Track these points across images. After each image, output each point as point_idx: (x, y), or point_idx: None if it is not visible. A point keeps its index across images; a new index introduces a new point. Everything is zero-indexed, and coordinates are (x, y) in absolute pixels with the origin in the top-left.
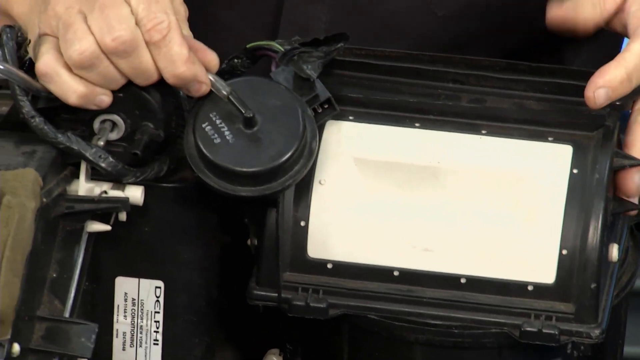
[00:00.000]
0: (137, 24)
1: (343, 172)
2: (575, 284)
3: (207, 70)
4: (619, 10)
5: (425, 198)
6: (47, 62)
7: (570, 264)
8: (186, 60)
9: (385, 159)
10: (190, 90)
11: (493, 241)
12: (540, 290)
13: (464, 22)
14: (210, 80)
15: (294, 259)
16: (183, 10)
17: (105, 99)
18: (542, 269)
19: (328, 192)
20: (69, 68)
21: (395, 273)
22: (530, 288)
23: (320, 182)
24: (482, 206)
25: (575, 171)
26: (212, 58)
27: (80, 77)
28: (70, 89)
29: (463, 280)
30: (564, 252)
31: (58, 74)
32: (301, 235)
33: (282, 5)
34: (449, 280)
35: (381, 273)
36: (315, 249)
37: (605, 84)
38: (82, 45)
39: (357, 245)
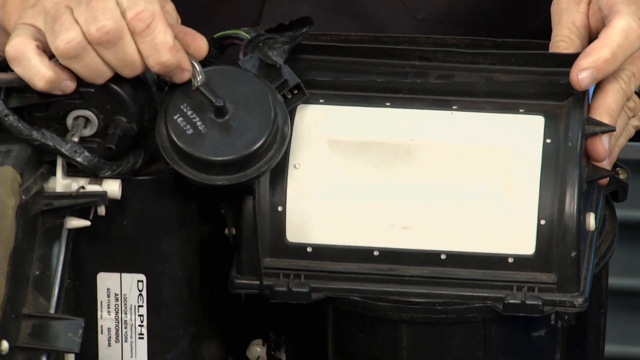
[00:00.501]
0: (121, 14)
1: (317, 155)
2: (556, 253)
3: (196, 55)
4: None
5: (400, 176)
6: (16, 44)
7: (549, 233)
8: (170, 48)
9: (358, 139)
10: (173, 78)
11: (471, 216)
12: (521, 261)
13: (444, 26)
14: (192, 65)
15: (274, 245)
16: (175, 15)
17: (70, 84)
18: (522, 241)
19: (303, 176)
20: (38, 52)
21: (375, 253)
22: (510, 260)
23: (295, 167)
24: (457, 181)
25: (548, 141)
26: (201, 43)
27: (49, 61)
28: (39, 73)
29: (443, 257)
30: (542, 222)
31: (27, 58)
32: (279, 221)
33: (264, 3)
34: (429, 257)
35: (361, 253)
36: (294, 234)
37: (589, 65)
38: (68, 35)
39: (335, 227)
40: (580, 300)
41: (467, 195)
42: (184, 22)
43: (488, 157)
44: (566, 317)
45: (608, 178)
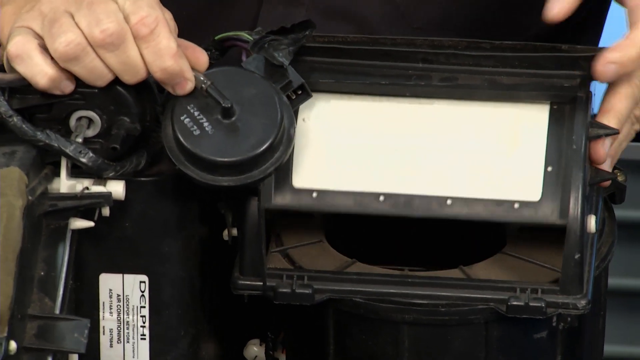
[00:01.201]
0: (124, 18)
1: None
2: (562, 202)
3: (197, 67)
4: None
5: (408, 132)
6: (18, 43)
7: (555, 180)
8: (174, 54)
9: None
10: (175, 87)
11: (478, 165)
12: (527, 206)
13: (439, 34)
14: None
15: (279, 189)
16: (173, 25)
17: (69, 84)
18: (528, 186)
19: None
20: (40, 51)
21: (381, 198)
22: (516, 206)
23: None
24: (464, 136)
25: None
26: (202, 56)
27: (51, 60)
28: (42, 71)
29: (449, 202)
30: (549, 168)
31: (29, 56)
32: (286, 165)
33: (259, 8)
34: (435, 201)
35: (366, 197)
36: (301, 178)
37: (616, 59)
38: (67, 37)
39: (341, 173)
40: (583, 302)
41: (474, 147)
42: (180, 26)
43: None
44: (568, 319)
45: (610, 180)
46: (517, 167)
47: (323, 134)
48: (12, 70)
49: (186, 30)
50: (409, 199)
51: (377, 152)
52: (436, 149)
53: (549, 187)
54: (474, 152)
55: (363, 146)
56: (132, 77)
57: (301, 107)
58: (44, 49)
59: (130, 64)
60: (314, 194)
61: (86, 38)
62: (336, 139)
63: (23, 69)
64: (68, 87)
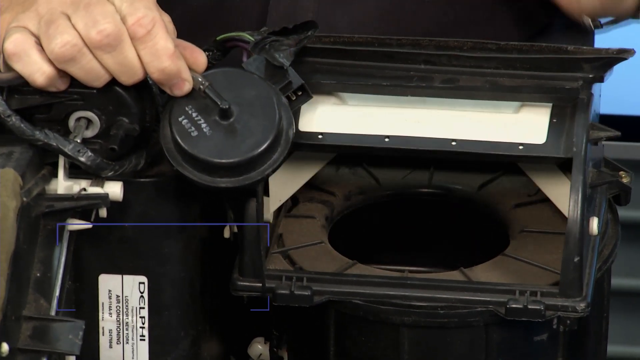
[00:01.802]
0: (121, 19)
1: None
2: (565, 143)
3: (195, 69)
4: None
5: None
6: (16, 40)
7: (560, 127)
8: (171, 55)
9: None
10: (173, 88)
11: (483, 115)
12: (532, 149)
13: (451, 8)
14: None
15: None
16: (172, 28)
17: (65, 82)
18: (533, 131)
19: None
20: (38, 49)
21: (387, 140)
22: (521, 147)
23: None
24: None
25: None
26: (200, 57)
27: (48, 58)
28: (40, 69)
29: (454, 143)
30: (554, 120)
31: (27, 54)
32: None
33: None
34: (439, 143)
35: (372, 139)
36: (306, 123)
37: None
38: (64, 38)
39: (347, 118)
40: (582, 305)
41: (479, 106)
42: (190, 20)
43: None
44: (568, 321)
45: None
46: (523, 121)
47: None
48: (9, 69)
49: (196, 23)
50: (415, 139)
51: (383, 103)
52: (443, 101)
53: (554, 132)
54: (479, 107)
55: (370, 99)
56: (129, 78)
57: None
58: (41, 46)
59: (127, 65)
60: (320, 136)
61: (83, 39)
62: (343, 98)
63: (20, 67)
64: (63, 84)
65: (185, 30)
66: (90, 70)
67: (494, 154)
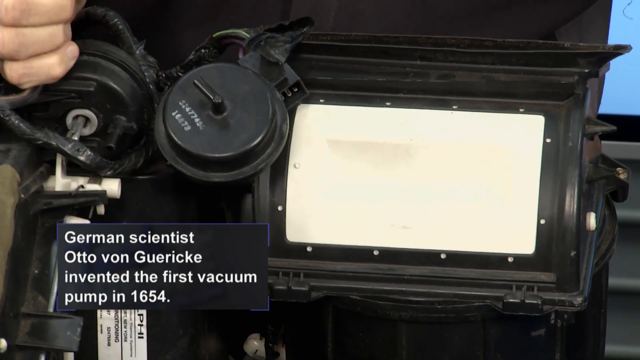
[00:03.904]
0: None
1: (317, 155)
2: (555, 253)
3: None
4: None
5: (400, 176)
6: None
7: (549, 233)
8: None
9: (358, 139)
10: None
11: (470, 215)
12: (521, 261)
13: (463, 25)
14: None
15: (273, 244)
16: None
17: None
18: (522, 240)
19: (303, 176)
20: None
21: (375, 252)
22: (510, 260)
23: (295, 166)
24: (457, 181)
25: (548, 140)
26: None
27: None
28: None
29: (443, 256)
30: (542, 221)
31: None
32: (279, 220)
33: None
34: (429, 257)
35: (361, 253)
36: (294, 233)
37: None
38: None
39: (335, 227)
40: (579, 299)
41: (466, 195)
42: (210, 7)
43: (488, 156)
44: (565, 316)
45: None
46: (511, 216)
47: (317, 182)
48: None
49: (214, 11)
50: (403, 256)
51: (371, 201)
52: (430, 195)
53: (542, 239)
54: (466, 199)
55: (358, 196)
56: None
57: (293, 149)
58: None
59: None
60: (309, 248)
61: None
62: (330, 189)
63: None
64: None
65: (212, 17)
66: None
67: (484, 279)
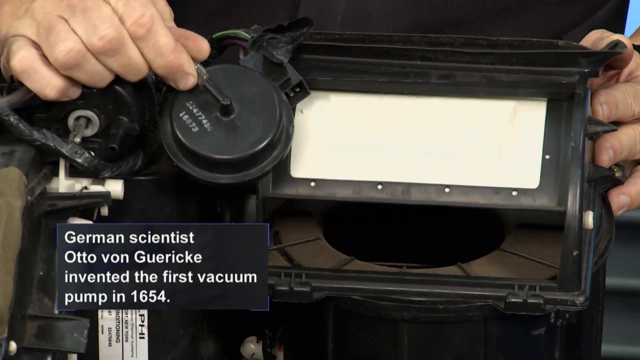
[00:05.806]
0: (120, 21)
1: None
2: (560, 188)
3: (198, 57)
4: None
5: (406, 129)
6: (22, 59)
7: (553, 167)
8: (173, 50)
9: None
10: (177, 82)
11: (476, 155)
12: (525, 194)
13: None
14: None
15: (276, 179)
16: (168, 11)
17: (77, 90)
18: (526, 174)
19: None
20: (46, 63)
21: (379, 187)
22: (514, 193)
23: (301, 111)
24: (462, 132)
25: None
26: (203, 45)
27: (57, 71)
28: (50, 83)
29: (447, 190)
30: (547, 156)
31: (35, 70)
32: (285, 159)
33: None
34: (433, 190)
35: (365, 186)
36: (299, 169)
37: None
38: (67, 44)
39: (340, 164)
40: (581, 299)
41: (471, 139)
42: (218, 9)
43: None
44: (567, 315)
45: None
46: (515, 159)
47: (322, 126)
48: (8, 71)
49: (223, 12)
50: (407, 187)
51: (375, 144)
52: (434, 142)
53: (547, 175)
54: (471, 144)
55: (361, 139)
56: (134, 76)
57: (300, 103)
58: (46, 58)
59: (132, 65)
60: (312, 183)
61: (85, 45)
62: (335, 131)
63: (31, 83)
64: (76, 92)
65: (219, 20)
66: (95, 74)
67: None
